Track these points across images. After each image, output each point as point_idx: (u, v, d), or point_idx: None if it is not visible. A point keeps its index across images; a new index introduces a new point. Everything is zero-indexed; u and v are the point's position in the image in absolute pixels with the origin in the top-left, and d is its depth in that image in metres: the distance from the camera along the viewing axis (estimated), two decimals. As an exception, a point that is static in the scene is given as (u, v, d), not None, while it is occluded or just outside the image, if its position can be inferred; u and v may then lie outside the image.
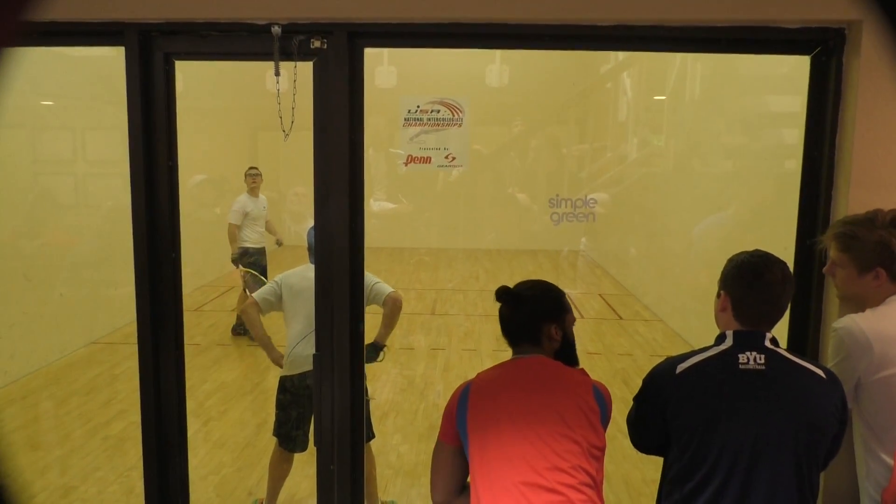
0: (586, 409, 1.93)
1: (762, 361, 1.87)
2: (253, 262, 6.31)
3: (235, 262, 6.29)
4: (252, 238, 6.44)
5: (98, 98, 6.09)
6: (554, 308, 2.09)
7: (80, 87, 6.04)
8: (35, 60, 5.10)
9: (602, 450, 1.95)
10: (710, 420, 1.85)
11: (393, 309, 3.45)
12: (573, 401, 1.93)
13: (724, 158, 6.44)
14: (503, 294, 2.09)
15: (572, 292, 8.05)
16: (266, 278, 5.94)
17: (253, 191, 6.43)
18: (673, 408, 1.90)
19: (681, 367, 1.91)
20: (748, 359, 1.87)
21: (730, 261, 2.02)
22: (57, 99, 6.06)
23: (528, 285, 2.14)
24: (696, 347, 2.00)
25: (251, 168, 6.48)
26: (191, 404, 2.96)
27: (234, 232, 6.32)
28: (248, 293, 5.66)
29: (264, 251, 6.59)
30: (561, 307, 2.10)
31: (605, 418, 1.98)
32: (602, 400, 1.98)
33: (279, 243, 6.89)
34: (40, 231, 5.95)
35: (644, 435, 2.07)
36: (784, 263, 1.97)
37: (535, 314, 2.06)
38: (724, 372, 1.88)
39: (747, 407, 1.85)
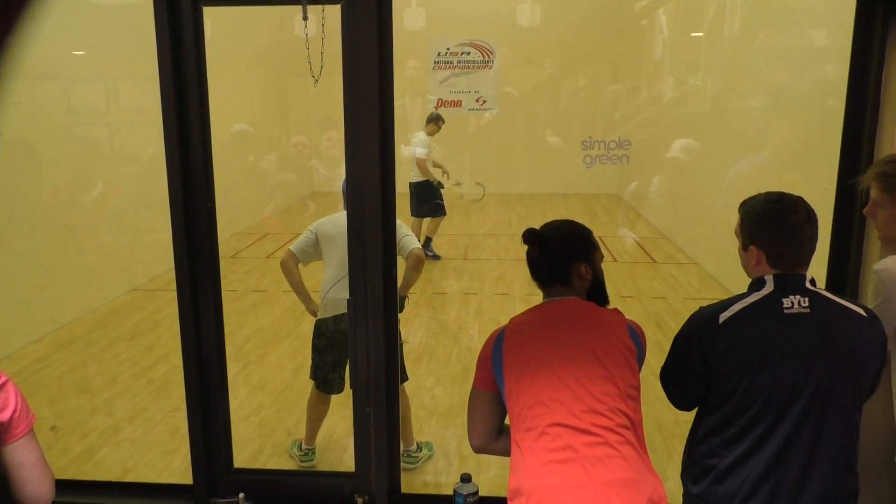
0: (623, 349, 1.93)
1: (806, 304, 1.84)
2: (428, 193, 7.48)
3: (437, 187, 7.49)
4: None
5: (129, 47, 6.10)
6: (582, 246, 2.07)
7: (111, 37, 6.04)
8: (65, 10, 5.10)
9: (638, 389, 1.95)
10: (758, 366, 1.83)
11: (415, 264, 3.47)
12: (609, 341, 1.93)
13: (763, 96, 6.24)
14: (530, 236, 2.08)
15: (610, 236, 8.00)
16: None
17: (432, 133, 7.32)
18: (717, 357, 1.88)
19: (724, 316, 1.88)
20: (792, 303, 1.84)
21: (746, 212, 1.96)
22: (88, 49, 6.07)
23: (554, 226, 2.12)
24: (732, 290, 1.98)
25: (441, 119, 7.28)
26: (230, 348, 3.04)
27: (424, 165, 7.35)
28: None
29: (431, 183, 7.55)
30: (589, 245, 2.09)
31: (641, 357, 1.98)
32: (637, 338, 1.97)
33: (447, 175, 7.81)
34: (82, 182, 6.05)
35: (683, 389, 2.05)
36: (802, 199, 1.92)
37: (563, 254, 2.04)
38: (770, 317, 1.86)
39: (794, 351, 1.83)
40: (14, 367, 4.86)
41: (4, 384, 1.62)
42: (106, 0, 5.07)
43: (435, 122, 7.29)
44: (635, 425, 1.90)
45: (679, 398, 2.10)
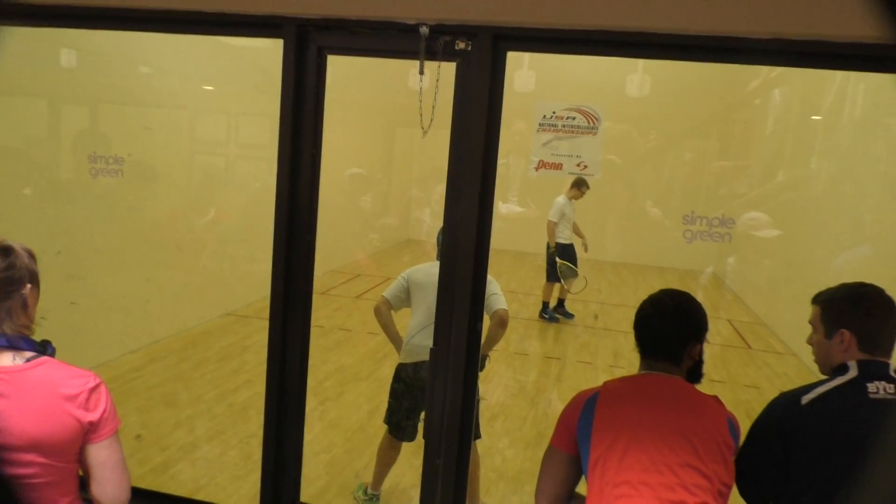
0: (721, 443, 1.81)
1: (892, 391, 1.77)
2: (566, 255, 7.49)
3: (553, 254, 7.44)
4: (564, 235, 7.51)
5: (253, 86, 6.50)
6: (703, 326, 1.99)
7: (238, 75, 6.45)
8: (201, 49, 5.51)
9: (730, 487, 1.83)
10: (844, 452, 1.73)
11: (498, 324, 3.46)
12: (707, 432, 1.82)
13: (880, 185, 5.95)
14: (662, 305, 1.98)
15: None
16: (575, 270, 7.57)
17: (574, 198, 7.41)
18: (800, 441, 1.79)
19: (806, 398, 1.82)
20: (878, 388, 1.78)
21: (831, 298, 1.94)
22: (216, 84, 6.51)
23: (681, 299, 2.01)
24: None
25: (585, 185, 7.36)
26: (310, 383, 3.09)
27: (552, 228, 7.41)
28: (562, 280, 7.44)
29: (573, 247, 7.62)
30: (706, 325, 2.00)
31: (736, 453, 1.87)
32: (736, 435, 1.86)
33: (586, 247, 7.77)
34: (196, 206, 6.42)
35: (761, 480, 1.94)
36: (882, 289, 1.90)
37: (687, 330, 1.95)
38: (855, 401, 1.78)
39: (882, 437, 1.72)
40: (111, 373, 5.12)
41: (97, 386, 1.72)
42: (238, 42, 5.44)
43: (577, 186, 7.23)
44: None
45: (755, 491, 1.98)
